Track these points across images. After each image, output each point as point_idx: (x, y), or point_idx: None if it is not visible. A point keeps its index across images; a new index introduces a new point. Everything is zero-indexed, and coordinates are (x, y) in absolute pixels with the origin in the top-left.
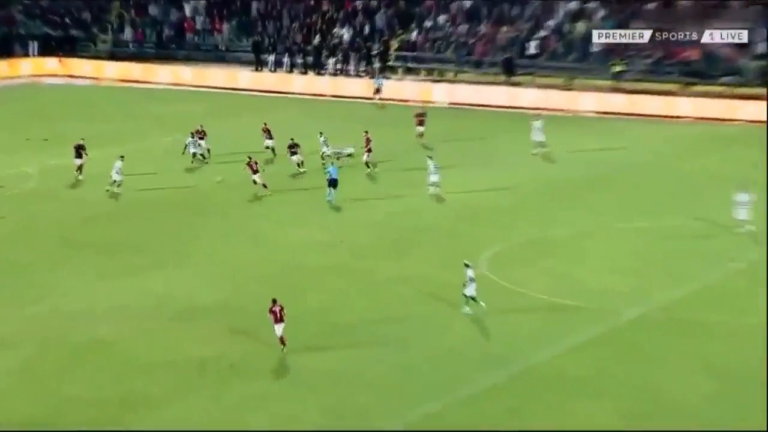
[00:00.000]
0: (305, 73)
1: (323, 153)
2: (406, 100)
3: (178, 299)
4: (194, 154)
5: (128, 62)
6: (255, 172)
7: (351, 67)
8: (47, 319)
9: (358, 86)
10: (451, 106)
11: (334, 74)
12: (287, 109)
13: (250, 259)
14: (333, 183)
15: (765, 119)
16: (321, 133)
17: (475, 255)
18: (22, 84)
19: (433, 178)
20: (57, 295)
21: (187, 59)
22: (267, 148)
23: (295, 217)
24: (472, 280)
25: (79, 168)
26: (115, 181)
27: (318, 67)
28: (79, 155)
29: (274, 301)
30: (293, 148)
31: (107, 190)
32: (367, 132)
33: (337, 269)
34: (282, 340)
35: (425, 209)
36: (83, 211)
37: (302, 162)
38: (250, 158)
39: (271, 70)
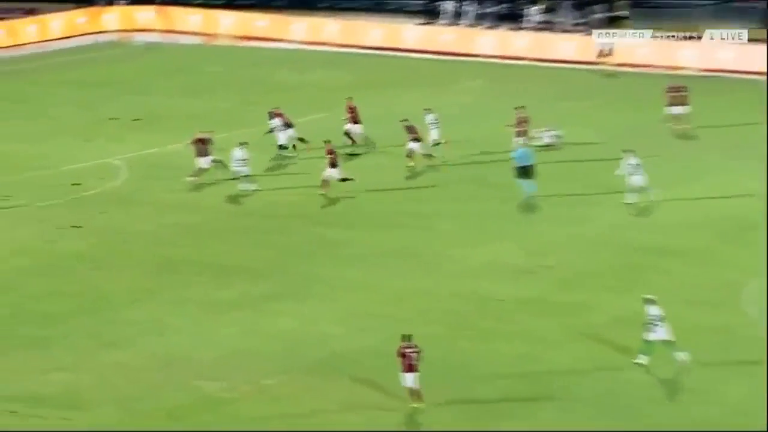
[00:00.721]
0: (496, 26)
1: (433, 140)
2: (642, 65)
3: (313, 343)
4: (281, 146)
5: (251, 12)
6: (333, 165)
7: (562, 19)
8: (135, 370)
9: (571, 46)
10: (705, 73)
11: (538, 28)
12: (470, 78)
13: (413, 289)
14: (525, 171)
15: None
16: (428, 109)
17: (737, 287)
18: (106, 42)
19: (636, 180)
20: (149, 335)
21: (332, 9)
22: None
23: (471, 228)
24: (658, 320)
25: (200, 172)
26: (245, 175)
27: (515, 19)
28: (202, 153)
29: (406, 339)
30: (413, 131)
31: (242, 190)
32: (521, 108)
33: (537, 304)
34: (413, 393)
35: (666, 223)
36: (186, 219)
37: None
38: (328, 143)
39: (449, 23)
